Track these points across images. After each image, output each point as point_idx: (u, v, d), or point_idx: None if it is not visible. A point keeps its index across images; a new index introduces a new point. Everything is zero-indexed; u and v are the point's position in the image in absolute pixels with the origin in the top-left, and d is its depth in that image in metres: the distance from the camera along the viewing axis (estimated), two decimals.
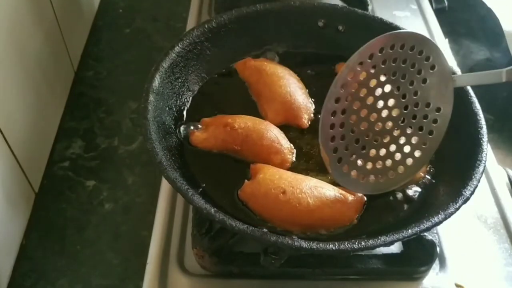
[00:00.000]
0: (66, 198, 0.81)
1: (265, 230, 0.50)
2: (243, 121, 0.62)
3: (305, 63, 0.73)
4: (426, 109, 0.57)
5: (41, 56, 0.83)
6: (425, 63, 0.56)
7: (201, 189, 0.57)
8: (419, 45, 0.55)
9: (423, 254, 0.59)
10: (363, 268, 0.58)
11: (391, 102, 0.56)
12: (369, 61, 0.53)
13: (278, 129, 0.63)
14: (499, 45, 0.96)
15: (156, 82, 0.62)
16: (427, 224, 0.51)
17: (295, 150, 0.63)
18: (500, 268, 0.62)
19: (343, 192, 0.57)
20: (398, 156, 0.58)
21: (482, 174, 0.56)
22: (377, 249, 0.53)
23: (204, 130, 0.63)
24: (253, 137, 0.61)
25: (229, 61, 0.72)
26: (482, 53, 1.02)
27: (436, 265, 0.60)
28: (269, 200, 0.56)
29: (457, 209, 0.53)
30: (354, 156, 0.56)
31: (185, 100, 0.67)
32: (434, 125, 0.58)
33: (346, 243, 0.49)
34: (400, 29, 0.67)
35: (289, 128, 0.65)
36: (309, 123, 0.66)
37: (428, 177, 0.61)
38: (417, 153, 0.58)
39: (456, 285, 0.59)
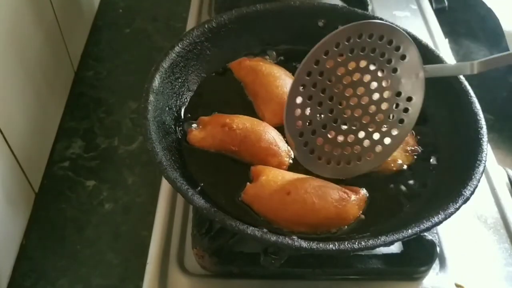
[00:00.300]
0: (66, 198, 0.81)
1: (265, 230, 0.50)
2: (241, 122, 0.62)
3: None
4: (397, 98, 0.58)
5: (41, 56, 0.83)
6: (395, 53, 0.56)
7: (199, 188, 0.57)
8: (388, 35, 0.55)
9: (423, 254, 0.59)
10: (363, 268, 0.58)
11: (360, 90, 0.56)
12: (336, 49, 0.53)
13: (276, 131, 0.63)
14: (499, 45, 0.96)
15: (156, 82, 0.62)
16: (427, 224, 0.51)
17: (292, 153, 0.63)
18: (500, 268, 0.62)
19: (346, 190, 0.57)
20: (367, 142, 0.58)
21: (482, 174, 0.56)
22: (377, 249, 0.53)
23: (202, 129, 0.63)
24: (251, 138, 0.60)
25: (229, 61, 0.72)
26: (482, 53, 1.02)
27: (436, 265, 0.60)
28: (274, 202, 0.55)
29: (457, 209, 0.52)
30: (321, 140, 0.57)
31: (185, 100, 0.67)
32: (404, 113, 0.58)
33: (346, 243, 0.49)
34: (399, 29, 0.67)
35: None
36: None
37: (418, 148, 0.63)
38: (386, 140, 0.59)
39: (456, 285, 0.59)
